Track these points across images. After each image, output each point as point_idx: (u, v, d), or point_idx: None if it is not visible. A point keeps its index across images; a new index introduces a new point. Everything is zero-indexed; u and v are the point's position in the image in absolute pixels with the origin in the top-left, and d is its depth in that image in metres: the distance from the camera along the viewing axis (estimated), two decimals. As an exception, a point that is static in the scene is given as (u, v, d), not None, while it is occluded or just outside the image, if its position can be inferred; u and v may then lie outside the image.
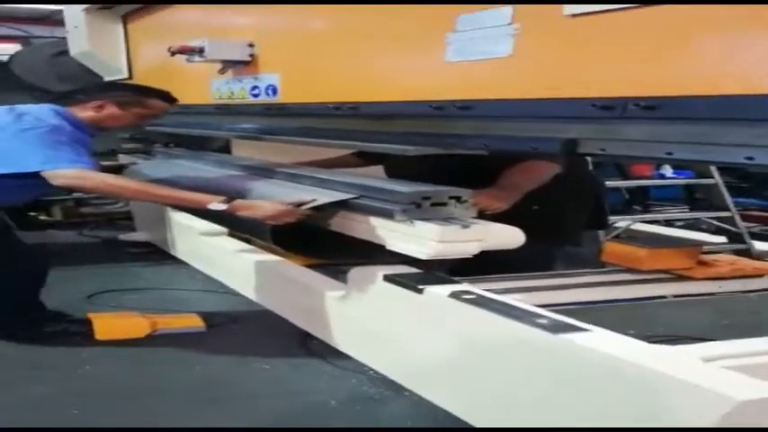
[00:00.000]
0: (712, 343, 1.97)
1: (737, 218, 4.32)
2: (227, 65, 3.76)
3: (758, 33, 1.68)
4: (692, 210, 4.73)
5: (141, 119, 3.39)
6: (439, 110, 2.57)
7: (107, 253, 5.05)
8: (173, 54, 3.68)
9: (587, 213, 3.65)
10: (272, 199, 3.02)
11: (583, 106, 2.03)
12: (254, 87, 3.71)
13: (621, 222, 4.30)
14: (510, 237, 2.65)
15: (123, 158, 5.52)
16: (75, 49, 5.23)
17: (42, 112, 3.13)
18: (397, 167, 3.48)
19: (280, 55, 3.55)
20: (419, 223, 2.64)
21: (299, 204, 2.94)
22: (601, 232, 3.94)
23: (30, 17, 8.47)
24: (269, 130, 3.87)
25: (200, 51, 3.61)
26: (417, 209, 2.67)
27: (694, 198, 5.11)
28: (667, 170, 5.22)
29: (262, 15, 3.68)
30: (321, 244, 3.16)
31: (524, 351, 2.16)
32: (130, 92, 3.42)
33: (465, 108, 2.45)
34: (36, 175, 2.94)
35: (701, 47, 1.80)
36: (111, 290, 3.97)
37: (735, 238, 4.30)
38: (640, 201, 5.53)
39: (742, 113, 1.69)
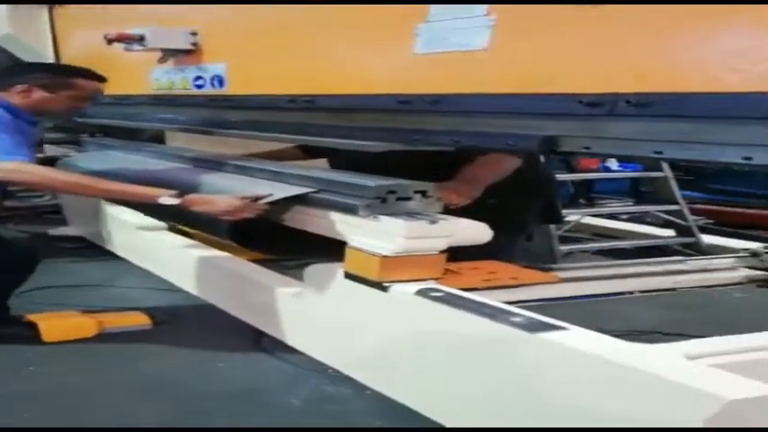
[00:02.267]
0: (694, 341, 1.98)
1: (686, 211, 4.39)
2: (168, 54, 3.64)
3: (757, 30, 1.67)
4: (638, 203, 4.79)
5: (75, 101, 3.22)
6: (405, 104, 2.51)
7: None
8: (110, 42, 3.54)
9: (540, 207, 3.66)
10: (226, 193, 2.93)
11: (567, 102, 1.99)
12: (198, 78, 3.60)
13: (572, 216, 4.33)
14: (477, 233, 2.62)
15: (49, 149, 5.30)
16: (-5, 32, 4.98)
17: None
18: (348, 161, 3.41)
19: (226, 44, 3.45)
20: (384, 218, 2.59)
21: (256, 199, 2.85)
22: (552, 227, 3.95)
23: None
24: (214, 123, 3.75)
25: (141, 39, 3.49)
26: (382, 203, 2.62)
27: (639, 191, 5.17)
28: (613, 163, 5.26)
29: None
30: (278, 240, 3.09)
31: (498, 349, 2.12)
32: (53, 73, 3.27)
33: (434, 102, 2.39)
34: None
35: (697, 41, 1.78)
36: (47, 287, 3.78)
37: (683, 231, 4.35)
38: (584, 194, 5.58)
39: (741, 111, 1.66)
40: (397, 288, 2.51)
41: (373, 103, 2.69)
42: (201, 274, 3.70)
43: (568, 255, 4.12)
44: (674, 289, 3.11)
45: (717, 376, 1.71)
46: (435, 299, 2.38)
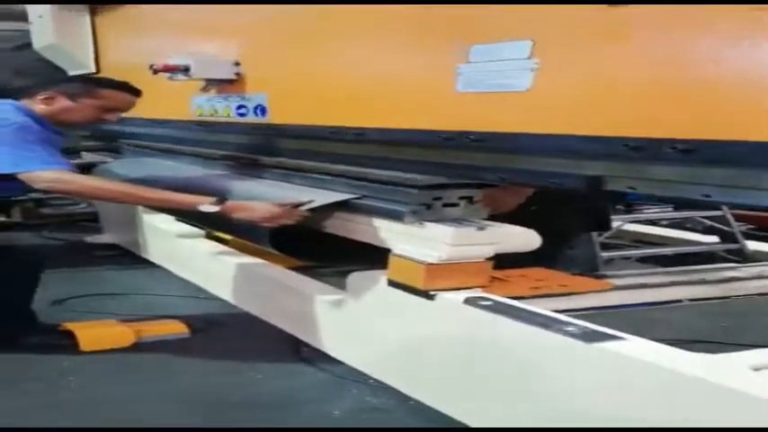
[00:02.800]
0: (757, 350, 1.90)
1: (730, 217, 4.29)
2: (212, 83, 3.61)
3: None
4: (678, 209, 4.68)
5: (100, 112, 3.12)
6: (449, 141, 2.46)
7: (74, 256, 4.87)
8: (155, 72, 3.46)
9: (585, 214, 3.57)
10: (266, 200, 2.89)
11: (613, 145, 1.97)
12: (241, 107, 3.55)
13: (614, 223, 4.23)
14: (525, 240, 2.57)
15: (87, 156, 5.33)
16: (38, 43, 5.02)
17: (4, 109, 2.93)
18: None
19: (268, 76, 3.41)
20: (430, 225, 2.53)
21: (297, 206, 2.81)
22: (594, 233, 3.87)
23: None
24: (259, 151, 3.68)
25: (186, 70, 3.44)
26: (427, 210, 2.56)
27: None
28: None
29: (248, 12, 3.49)
30: (318, 247, 3.04)
31: (552, 360, 2.07)
32: (79, 82, 3.23)
33: (478, 140, 2.35)
34: (9, 177, 2.78)
35: (733, 88, 1.74)
36: (83, 295, 3.83)
37: (727, 237, 4.26)
38: (622, 200, 5.46)
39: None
40: (444, 296, 2.46)
41: (418, 138, 2.64)
42: (238, 282, 3.68)
43: (610, 262, 4.02)
44: (726, 297, 3.02)
45: None
46: (484, 307, 2.33)
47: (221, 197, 2.84)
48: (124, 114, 3.25)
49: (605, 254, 3.99)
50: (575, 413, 1.99)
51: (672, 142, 1.85)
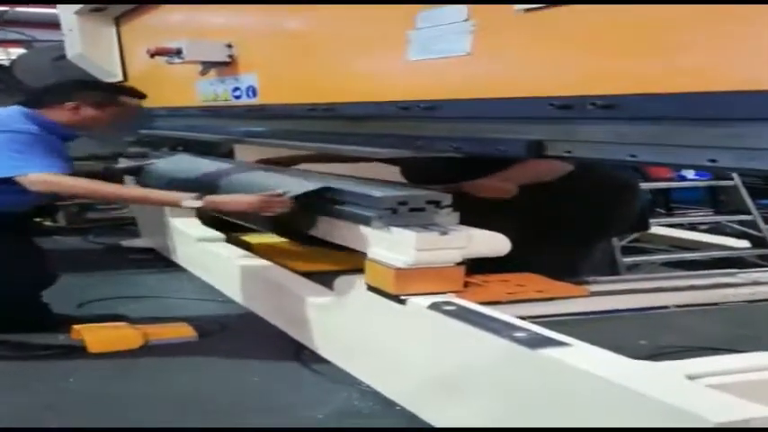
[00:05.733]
0: (702, 359, 1.84)
1: (760, 221, 4.14)
2: (207, 66, 3.73)
3: (721, 28, 1.55)
4: (715, 213, 4.55)
5: (119, 118, 3.35)
6: (405, 110, 2.48)
7: (108, 259, 4.97)
8: (152, 56, 3.68)
9: (623, 215, 3.51)
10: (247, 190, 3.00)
11: (542, 106, 1.94)
12: (236, 89, 3.67)
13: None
14: (494, 244, 2.53)
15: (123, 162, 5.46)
16: (70, 52, 5.20)
17: (11, 115, 3.10)
18: (418, 168, 3.41)
19: (257, 55, 3.51)
20: (396, 230, 2.53)
21: (278, 195, 2.88)
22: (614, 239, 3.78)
23: (35, 21, 8.49)
24: (252, 134, 3.83)
25: (179, 53, 3.58)
26: (394, 215, 2.56)
27: (718, 200, 4.90)
28: (689, 172, 4.97)
29: (241, 16, 3.64)
30: None
31: (503, 366, 2.05)
32: (103, 91, 3.38)
33: (429, 109, 2.34)
34: (9, 181, 2.92)
35: (660, 42, 1.68)
36: (106, 298, 3.89)
37: (757, 242, 4.12)
38: (663, 203, 5.31)
39: (702, 113, 1.56)
40: (413, 301, 2.45)
41: (380, 111, 2.68)
42: (248, 285, 3.73)
43: (634, 266, 3.92)
44: (716, 303, 2.88)
45: (710, 397, 1.61)
46: (447, 312, 2.31)
47: (201, 192, 2.93)
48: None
49: (628, 259, 3.90)
50: (520, 418, 1.98)
51: (592, 99, 1.82)
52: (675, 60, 1.65)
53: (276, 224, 3.14)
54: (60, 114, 3.17)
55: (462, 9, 2.16)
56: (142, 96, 3.41)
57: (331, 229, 2.92)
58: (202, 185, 3.30)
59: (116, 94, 3.33)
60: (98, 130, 3.38)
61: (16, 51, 7.73)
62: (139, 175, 4.32)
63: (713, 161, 1.58)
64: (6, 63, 6.59)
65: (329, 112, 2.93)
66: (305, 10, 3.07)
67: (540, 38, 1.97)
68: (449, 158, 2.70)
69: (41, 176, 2.93)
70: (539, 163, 3.08)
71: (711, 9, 1.57)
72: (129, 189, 3.22)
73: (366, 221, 2.63)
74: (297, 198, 2.88)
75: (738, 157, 1.56)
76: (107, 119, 3.28)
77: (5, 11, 8.96)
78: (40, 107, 3.18)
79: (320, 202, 2.91)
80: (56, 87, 3.42)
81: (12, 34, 8.14)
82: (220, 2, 3.76)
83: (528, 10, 1.90)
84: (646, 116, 1.69)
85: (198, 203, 2.91)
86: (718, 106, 1.55)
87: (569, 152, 1.96)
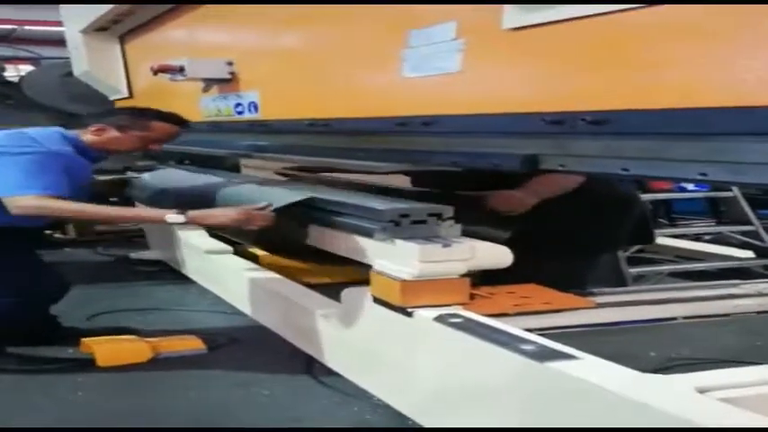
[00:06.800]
0: (713, 371, 1.85)
1: (762, 231, 4.14)
2: (210, 83, 3.78)
3: (707, 45, 1.58)
4: (717, 223, 4.55)
5: (145, 142, 3.36)
6: (402, 126, 2.51)
7: (117, 272, 4.99)
8: (155, 73, 3.72)
9: (626, 228, 3.52)
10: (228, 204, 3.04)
11: (534, 121, 1.96)
12: (238, 104, 3.71)
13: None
14: (497, 257, 2.55)
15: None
16: (77, 70, 5.25)
17: (47, 136, 3.13)
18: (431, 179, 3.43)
19: (257, 72, 3.55)
20: (399, 242, 2.55)
21: (261, 208, 2.93)
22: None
23: (43, 39, 8.57)
24: (256, 148, 3.87)
25: (181, 70, 3.63)
26: (397, 227, 2.59)
27: (719, 211, 4.87)
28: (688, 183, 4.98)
29: (241, 33, 3.70)
30: None
31: (512, 380, 2.06)
32: (128, 115, 3.41)
33: (426, 124, 2.38)
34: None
35: (650, 59, 1.70)
36: (115, 310, 3.92)
37: (761, 252, 4.12)
38: (665, 214, 5.31)
39: (692, 128, 1.59)
40: (419, 313, 2.46)
41: (377, 126, 2.71)
42: (257, 298, 3.74)
43: (641, 277, 3.92)
44: (725, 315, 2.88)
45: (719, 410, 1.62)
46: (453, 325, 2.31)
47: (183, 208, 2.96)
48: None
49: (635, 269, 3.90)
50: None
51: (582, 115, 1.85)
52: (662, 77, 1.67)
53: (260, 238, 3.14)
54: (87, 136, 3.24)
55: (451, 28, 2.19)
56: (181, 122, 3.44)
57: (332, 241, 2.93)
58: (187, 198, 3.34)
59: (142, 119, 3.34)
60: (122, 152, 3.42)
61: (26, 68, 7.81)
62: (125, 188, 4.40)
63: (704, 174, 1.60)
64: (16, 80, 6.65)
65: (328, 127, 2.96)
66: (303, 28, 3.11)
67: (528, 55, 1.99)
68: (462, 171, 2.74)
69: (26, 200, 2.93)
70: (564, 176, 3.12)
71: (697, 27, 1.59)
72: (116, 209, 3.23)
73: (368, 233, 2.65)
74: (277, 210, 2.91)
75: (727, 170, 1.58)
76: (130, 141, 3.31)
77: (15, 29, 9.05)
78: (75, 128, 3.25)
79: (316, 214, 2.95)
80: (96, 112, 3.50)
81: (22, 52, 8.23)
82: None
83: (515, 29, 1.93)
84: (635, 131, 1.72)
85: (181, 219, 2.92)
86: (704, 121, 1.57)
87: (563, 166, 1.99)
